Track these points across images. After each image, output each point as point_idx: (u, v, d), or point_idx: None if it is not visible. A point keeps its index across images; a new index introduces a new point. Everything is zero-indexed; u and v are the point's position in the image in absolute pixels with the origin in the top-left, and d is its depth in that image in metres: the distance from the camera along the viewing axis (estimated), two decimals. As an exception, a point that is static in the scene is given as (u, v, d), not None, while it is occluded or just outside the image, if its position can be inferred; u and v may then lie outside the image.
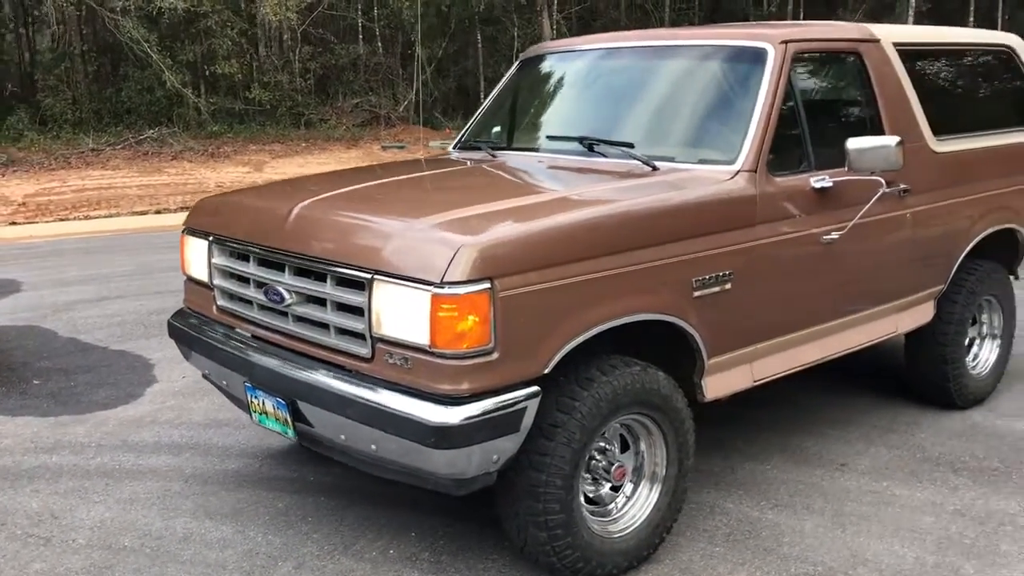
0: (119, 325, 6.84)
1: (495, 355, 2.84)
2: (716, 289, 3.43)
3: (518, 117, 4.66)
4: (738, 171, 3.56)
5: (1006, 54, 5.13)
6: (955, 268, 4.61)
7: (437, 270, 2.79)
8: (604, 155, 3.86)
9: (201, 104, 19.79)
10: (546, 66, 4.69)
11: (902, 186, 4.18)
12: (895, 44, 4.35)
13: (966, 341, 4.94)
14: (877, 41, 4.27)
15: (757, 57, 3.80)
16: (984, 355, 5.07)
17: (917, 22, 21.05)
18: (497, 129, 4.67)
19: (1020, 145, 4.97)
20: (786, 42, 3.81)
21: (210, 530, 3.71)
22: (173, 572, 3.40)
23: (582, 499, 3.21)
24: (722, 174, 3.56)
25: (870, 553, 3.49)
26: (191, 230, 3.87)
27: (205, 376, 4.00)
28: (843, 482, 4.09)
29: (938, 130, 4.48)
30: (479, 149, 4.44)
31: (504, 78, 4.92)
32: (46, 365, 5.92)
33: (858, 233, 3.93)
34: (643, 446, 3.40)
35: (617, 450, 3.37)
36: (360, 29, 22.67)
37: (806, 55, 3.95)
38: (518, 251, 2.89)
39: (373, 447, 3.04)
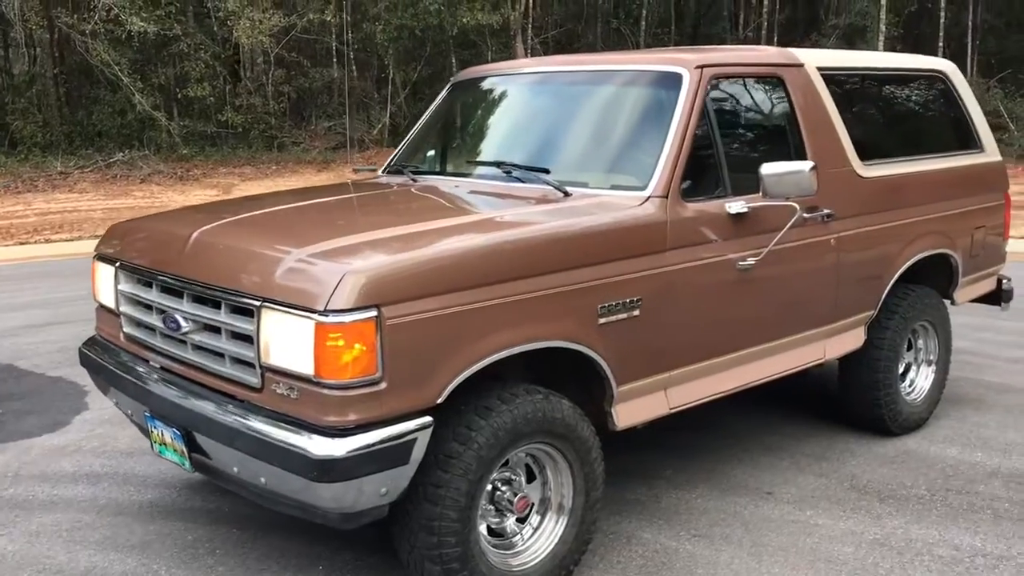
0: (60, 351, 6.72)
1: (383, 385, 2.77)
2: (623, 316, 3.38)
3: (445, 141, 4.63)
4: (648, 197, 3.52)
5: (940, 80, 5.14)
6: (885, 293, 4.59)
7: (321, 298, 2.73)
8: (522, 180, 3.82)
9: (172, 127, 19.72)
10: (475, 90, 4.66)
11: (825, 211, 4.15)
12: (820, 68, 4.34)
13: (901, 367, 4.92)
14: (800, 66, 4.26)
15: (672, 82, 3.77)
16: (920, 381, 5.04)
17: (888, 48, 21.23)
18: (431, 153, 4.63)
19: (953, 170, 4.97)
20: (702, 67, 3.79)
21: (114, 563, 3.62)
22: (68, 607, 3.31)
23: (482, 531, 3.14)
24: (632, 200, 3.52)
25: (783, 585, 3.44)
26: (100, 256, 3.81)
27: (116, 404, 3.92)
28: (766, 511, 4.03)
29: (866, 155, 4.47)
30: (402, 173, 4.41)
31: (435, 101, 4.89)
32: (-24, 393, 5.81)
33: (777, 259, 3.90)
34: (549, 476, 3.34)
35: (523, 480, 3.31)
36: (334, 53, 22.70)
37: (724, 80, 3.93)
38: (406, 278, 2.83)
39: (263, 480, 2.96)
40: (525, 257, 3.11)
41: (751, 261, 3.79)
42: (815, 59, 4.37)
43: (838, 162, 4.28)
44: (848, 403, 4.89)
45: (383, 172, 4.69)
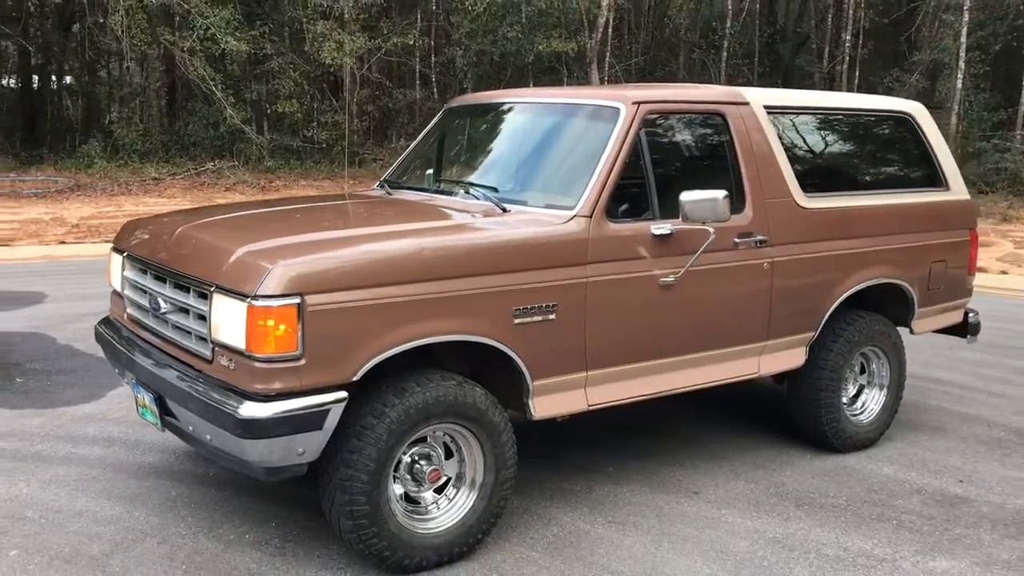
0: (112, 336, 7.50)
1: (302, 361, 3.31)
2: (539, 318, 3.84)
3: (427, 160, 5.17)
4: (574, 216, 3.99)
5: (906, 121, 5.45)
6: (825, 317, 4.91)
7: (254, 285, 3.29)
8: (475, 196, 4.33)
9: (262, 140, 20.87)
10: (459, 115, 5.20)
11: (759, 237, 4.54)
12: (767, 107, 4.74)
13: (851, 388, 5.24)
14: (746, 104, 4.66)
15: (610, 116, 4.24)
16: (870, 403, 5.33)
17: (970, 85, 20.98)
18: (414, 170, 5.18)
19: (908, 206, 5.26)
20: (639, 103, 4.24)
21: (105, 509, 4.24)
22: (55, 539, 3.93)
23: (395, 496, 3.64)
24: (558, 218, 3.99)
25: (669, 568, 3.83)
26: (114, 247, 4.47)
27: (118, 374, 4.56)
28: (685, 508, 4.41)
29: (811, 187, 4.83)
30: (383, 187, 4.98)
31: (430, 124, 5.44)
32: (34, 367, 6.59)
33: (700, 277, 4.31)
34: (465, 454, 3.82)
35: (442, 456, 3.80)
36: (418, 75, 23.64)
37: (661, 115, 4.37)
38: (327, 273, 3.37)
39: (208, 437, 3.53)
40: (442, 262, 3.62)
41: (672, 278, 4.21)
42: (762, 98, 4.76)
43: (777, 193, 4.65)
44: (793, 419, 5.22)
45: (376, 186, 5.26)
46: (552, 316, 3.89)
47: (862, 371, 5.34)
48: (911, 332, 5.48)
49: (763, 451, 5.18)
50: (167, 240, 3.96)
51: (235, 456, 3.45)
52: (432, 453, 3.77)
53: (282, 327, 3.27)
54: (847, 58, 25.74)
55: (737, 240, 4.47)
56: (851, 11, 26.03)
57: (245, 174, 19.74)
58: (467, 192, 4.41)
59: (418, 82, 23.91)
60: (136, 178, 18.79)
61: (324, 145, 21.71)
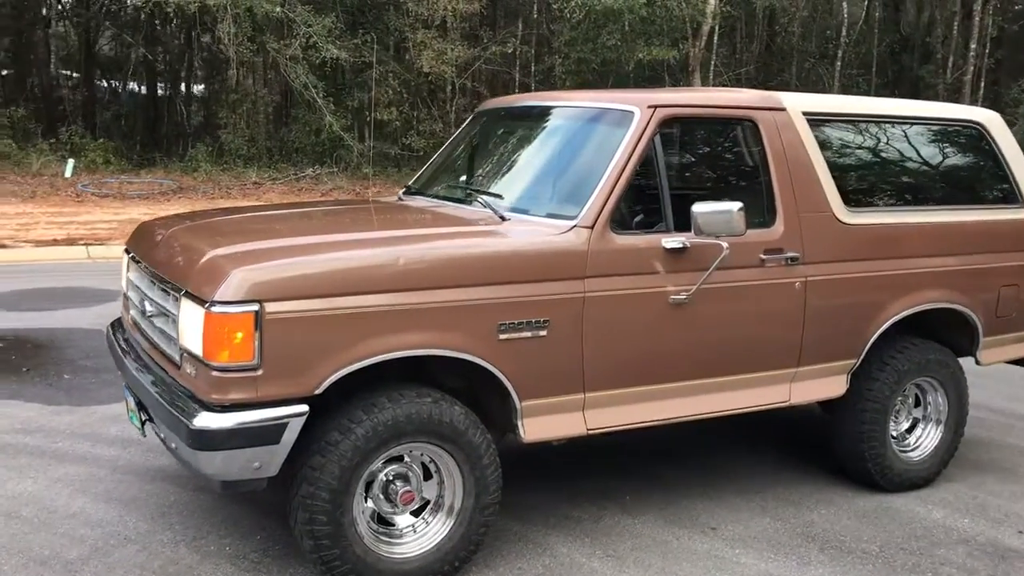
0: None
1: (259, 372, 3.16)
2: (527, 335, 3.60)
3: (449, 165, 4.98)
4: (573, 226, 3.73)
5: (975, 131, 4.96)
6: (869, 344, 4.49)
7: (212, 291, 3.16)
8: (481, 204, 4.11)
9: (362, 148, 21.15)
10: (487, 120, 4.99)
11: (790, 253, 4.18)
12: (806, 113, 4.36)
13: (903, 422, 4.81)
14: (782, 109, 4.30)
15: (622, 120, 3.96)
16: (924, 440, 4.86)
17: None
18: (436, 176, 5.01)
19: (973, 224, 4.78)
20: (655, 107, 3.95)
21: (98, 511, 4.21)
22: (40, 540, 3.90)
23: (360, 516, 3.45)
24: (556, 228, 3.74)
25: (659, 610, 3.52)
26: (125, 248, 4.45)
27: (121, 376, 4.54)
28: (696, 545, 4.08)
29: (856, 202, 4.43)
30: (408, 192, 4.81)
31: (459, 129, 5.26)
32: (85, 363, 6.71)
33: (718, 296, 3.98)
34: (444, 476, 3.61)
35: (420, 476, 3.60)
36: (517, 84, 23.56)
37: (680, 120, 4.06)
38: (289, 280, 3.22)
39: (174, 445, 3.42)
40: (418, 271, 3.42)
41: (684, 296, 3.89)
42: (802, 104, 4.38)
43: (814, 206, 4.28)
44: (836, 453, 4.80)
45: (401, 193, 5.11)
46: (543, 332, 3.64)
47: (917, 404, 4.87)
48: (976, 363, 4.97)
49: (801, 486, 4.77)
50: (159, 242, 3.90)
51: (192, 467, 3.33)
52: (409, 473, 3.58)
53: (239, 335, 3.13)
54: (973, 68, 24.36)
55: (764, 256, 4.12)
56: (979, 19, 24.68)
57: (342, 180, 20.02)
58: (472, 199, 4.20)
59: (517, 91, 23.80)
60: (238, 182, 19.29)
61: (422, 153, 21.80)
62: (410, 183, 5.07)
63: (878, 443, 4.60)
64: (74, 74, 26.38)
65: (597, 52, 21.29)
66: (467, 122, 5.20)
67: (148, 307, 3.76)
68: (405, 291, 3.37)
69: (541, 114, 4.49)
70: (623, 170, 3.82)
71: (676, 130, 4.08)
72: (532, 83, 23.28)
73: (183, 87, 26.12)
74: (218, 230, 3.95)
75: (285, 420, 3.20)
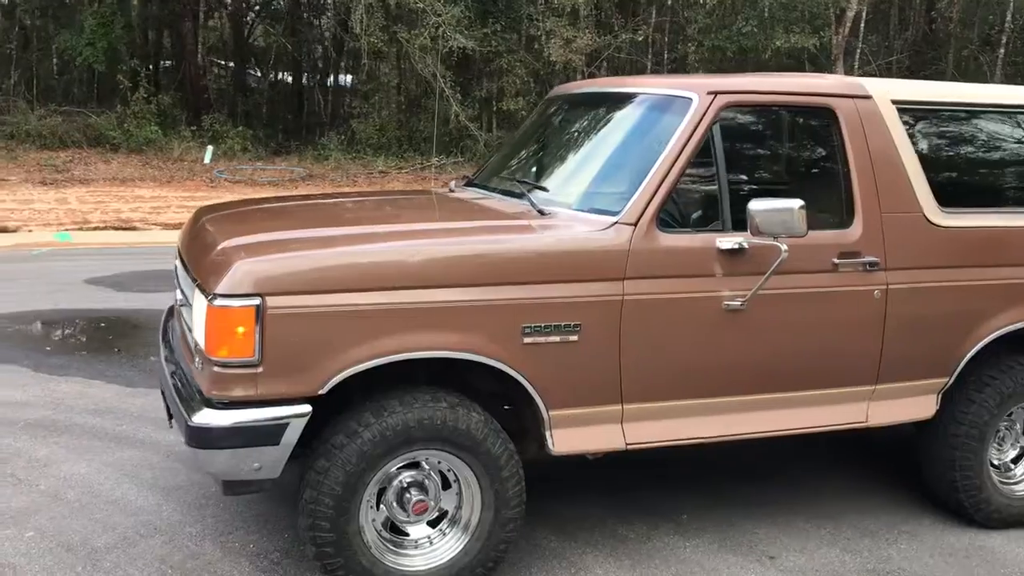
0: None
1: (260, 368, 3.02)
2: (556, 339, 3.33)
3: (509, 154, 4.72)
4: (614, 223, 3.43)
5: (1107, 122, 4.34)
6: (964, 361, 3.98)
7: (216, 284, 3.04)
8: (520, 196, 3.83)
9: (488, 138, 21.13)
10: (551, 107, 4.71)
11: (868, 258, 3.74)
12: (895, 102, 3.89)
13: (1008, 451, 4.29)
14: (867, 97, 3.85)
15: (678, 107, 3.62)
16: (1034, 471, 4.30)
17: None
18: (494, 166, 4.76)
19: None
20: (715, 92, 3.60)
21: (138, 499, 4.20)
22: (74, 525, 3.91)
23: (367, 525, 3.26)
24: (595, 224, 3.45)
25: (689, 649, 3.19)
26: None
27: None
28: (747, 575, 3.71)
29: (952, 201, 3.93)
30: (470, 183, 4.58)
31: (528, 117, 5.01)
32: (175, 347, 6.84)
33: (780, 303, 3.60)
34: (463, 487, 3.38)
35: (438, 485, 3.39)
36: (649, 73, 22.99)
37: (744, 108, 3.69)
38: (295, 273, 3.06)
39: (183, 439, 3.33)
40: (436, 268, 3.20)
41: (739, 302, 3.53)
42: (891, 90, 3.92)
43: (900, 206, 3.81)
44: (926, 481, 4.30)
45: (453, 184, 4.88)
46: (573, 337, 3.35)
47: (1025, 430, 4.32)
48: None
49: (882, 514, 4.30)
50: (197, 229, 3.83)
51: (197, 466, 3.23)
52: (427, 481, 3.37)
53: (240, 329, 3.00)
54: None
55: (837, 261, 3.70)
56: None
57: (467, 169, 20.03)
58: (515, 192, 3.94)
59: (649, 80, 23.25)
60: (365, 170, 19.61)
61: (549, 142, 21.65)
62: (472, 174, 4.85)
63: (973, 473, 4.09)
64: (225, 63, 27.48)
65: (732, 39, 20.51)
66: (536, 110, 4.94)
67: (179, 296, 3.69)
68: (418, 288, 3.16)
69: (598, 101, 4.19)
70: (674, 163, 3.49)
71: (740, 118, 3.71)
72: (664, 72, 22.67)
73: (321, 77, 26.80)
74: (244, 220, 3.84)
75: (285, 420, 3.05)
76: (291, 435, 3.07)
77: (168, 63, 25.89)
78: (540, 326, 3.30)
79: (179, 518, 4.03)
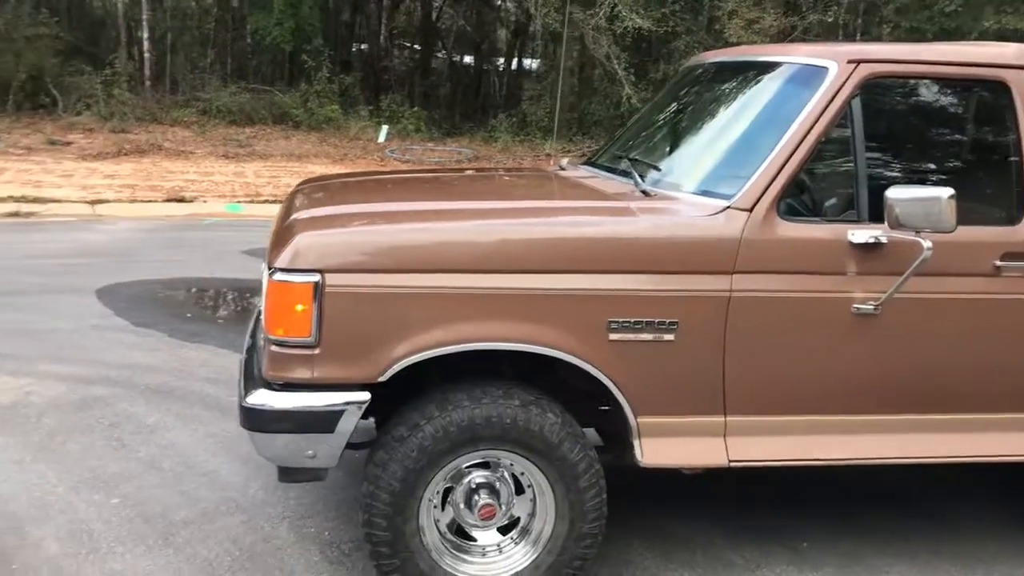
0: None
1: (317, 350, 2.80)
2: (648, 337, 2.94)
3: (632, 132, 4.31)
4: (726, 208, 3.00)
5: None
6: None
7: (278, 257, 2.85)
8: (627, 176, 3.46)
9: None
10: (682, 80, 4.27)
11: (1040, 260, 3.13)
12: (1093, 72, 3.23)
13: None
14: (1052, 67, 3.22)
15: (811, 78, 3.13)
16: None
17: None
18: (616, 144, 4.38)
19: None
20: (857, 61, 3.08)
21: (229, 473, 4.12)
22: (160, 495, 3.87)
23: (427, 526, 2.99)
24: (704, 209, 3.03)
25: None
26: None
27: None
28: (866, 621, 3.21)
29: None
30: (589, 163, 4.22)
31: (660, 92, 4.59)
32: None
33: (925, 309, 3.07)
34: (536, 494, 3.06)
35: (512, 490, 3.08)
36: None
37: (892, 79, 3.15)
38: (358, 248, 2.82)
39: (247, 419, 3.17)
40: (515, 251, 2.88)
41: (873, 306, 3.01)
42: (1085, 60, 3.26)
43: (1087, 197, 3.17)
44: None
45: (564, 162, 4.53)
46: (669, 336, 2.95)
47: None
48: None
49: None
50: (288, 201, 3.67)
51: (256, 449, 3.05)
52: (498, 484, 3.07)
53: (298, 307, 2.79)
54: None
55: (1000, 263, 3.11)
56: None
57: (636, 154, 19.55)
58: (625, 171, 3.56)
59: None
60: (531, 152, 19.44)
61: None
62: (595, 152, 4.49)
63: None
64: (411, 45, 28.00)
65: (933, 20, 18.89)
66: (675, 79, 4.50)
67: (264, 269, 3.55)
68: (493, 273, 2.85)
69: (729, 71, 3.73)
70: (801, 141, 3.01)
71: (886, 92, 3.17)
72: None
73: (506, 61, 26.86)
74: (328, 193, 3.64)
75: (340, 408, 2.82)
76: (347, 423, 2.84)
77: (361, 47, 26.64)
78: (629, 322, 2.92)
79: (263, 497, 3.92)
